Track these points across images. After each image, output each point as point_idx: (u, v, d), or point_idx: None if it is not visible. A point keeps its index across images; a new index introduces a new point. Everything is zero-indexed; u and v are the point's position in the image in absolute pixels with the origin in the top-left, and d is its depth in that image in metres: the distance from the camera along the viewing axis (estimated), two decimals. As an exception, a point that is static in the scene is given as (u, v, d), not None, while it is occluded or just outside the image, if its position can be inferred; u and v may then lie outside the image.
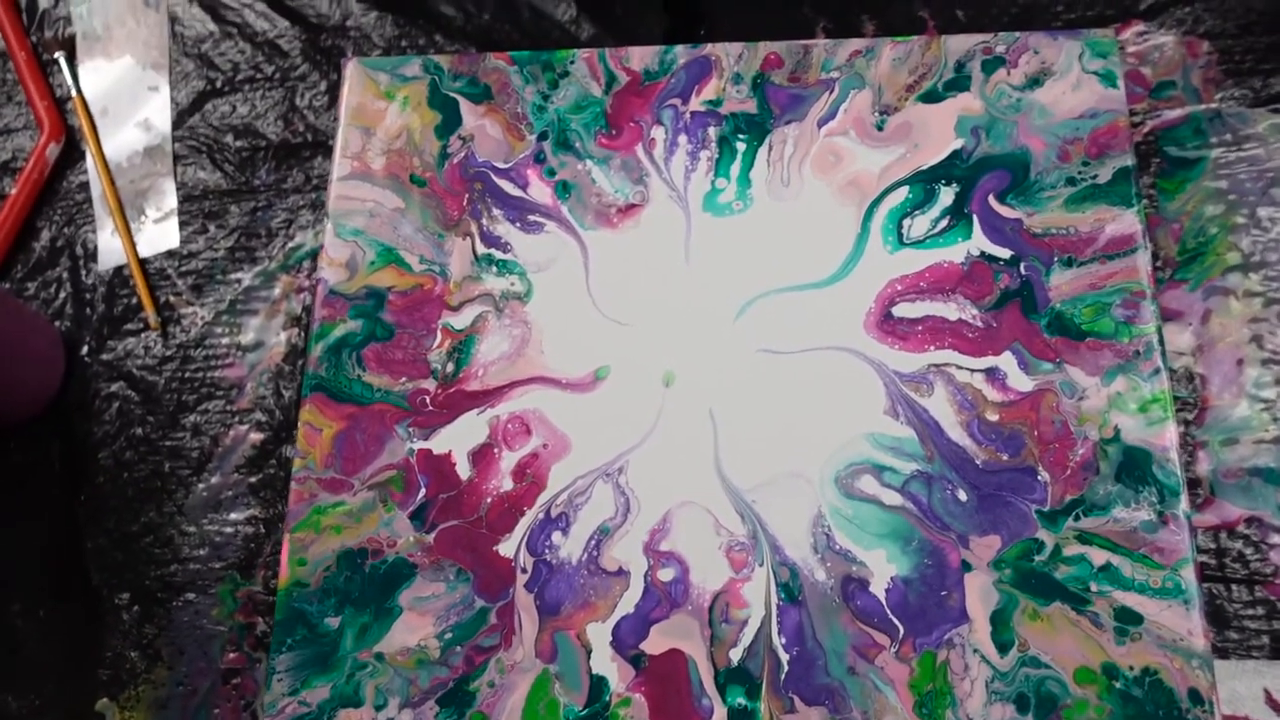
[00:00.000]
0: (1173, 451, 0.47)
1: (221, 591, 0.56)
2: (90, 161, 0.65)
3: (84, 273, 0.64)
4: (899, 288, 0.51)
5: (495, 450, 0.51)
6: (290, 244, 0.61)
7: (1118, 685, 0.45)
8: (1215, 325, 0.53)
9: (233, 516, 0.57)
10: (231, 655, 0.55)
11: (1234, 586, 0.50)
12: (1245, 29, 0.58)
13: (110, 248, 0.64)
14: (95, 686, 0.55)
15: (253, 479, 0.58)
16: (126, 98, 0.67)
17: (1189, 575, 0.46)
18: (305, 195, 0.62)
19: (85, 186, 0.66)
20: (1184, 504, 0.47)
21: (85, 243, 0.64)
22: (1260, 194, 0.55)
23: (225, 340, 0.60)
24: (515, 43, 0.63)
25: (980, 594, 0.46)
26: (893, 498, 0.48)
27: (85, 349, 0.62)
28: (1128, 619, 0.45)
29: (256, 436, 0.58)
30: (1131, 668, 0.45)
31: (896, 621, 0.46)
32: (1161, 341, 0.49)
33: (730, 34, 0.61)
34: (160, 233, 0.63)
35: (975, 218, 0.52)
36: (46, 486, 0.59)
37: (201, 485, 0.58)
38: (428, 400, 0.52)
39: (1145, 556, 0.46)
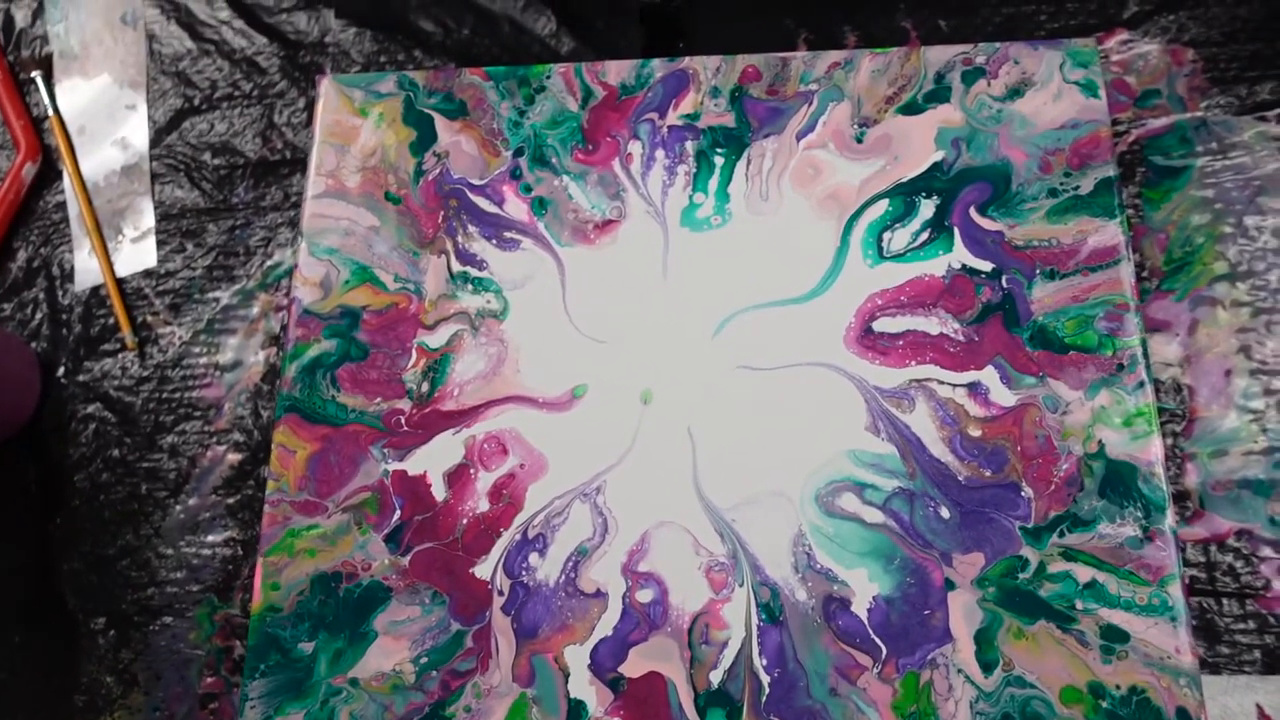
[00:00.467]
0: (1158, 465, 0.47)
1: (199, 615, 0.55)
2: (67, 181, 0.65)
3: (60, 293, 0.63)
4: (879, 302, 0.50)
5: (471, 471, 0.50)
6: (269, 262, 0.61)
7: (1104, 705, 0.44)
8: (1203, 336, 0.53)
9: (210, 539, 0.56)
10: (209, 679, 0.54)
11: (1224, 600, 0.49)
12: (1230, 37, 0.57)
13: (87, 268, 0.63)
14: (71, 713, 0.55)
15: (230, 500, 0.57)
16: (104, 116, 0.66)
17: (1176, 591, 0.45)
18: (284, 213, 0.62)
19: (62, 206, 0.65)
20: (1170, 519, 0.46)
21: (62, 263, 0.64)
22: (1247, 202, 0.54)
23: (203, 360, 0.60)
24: (495, 57, 0.63)
25: (964, 613, 0.46)
26: (874, 515, 0.47)
27: (61, 370, 0.61)
28: (1114, 637, 0.45)
29: (234, 457, 0.58)
30: (1118, 686, 0.44)
31: (879, 641, 0.46)
32: (1146, 354, 0.48)
33: (711, 47, 0.60)
34: (137, 252, 0.63)
35: (956, 230, 0.51)
36: (21, 510, 0.59)
37: (179, 507, 0.57)
38: (403, 421, 0.51)
39: (1131, 573, 0.45)
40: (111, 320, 0.61)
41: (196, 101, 0.65)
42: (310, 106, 0.63)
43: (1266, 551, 0.49)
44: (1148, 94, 0.57)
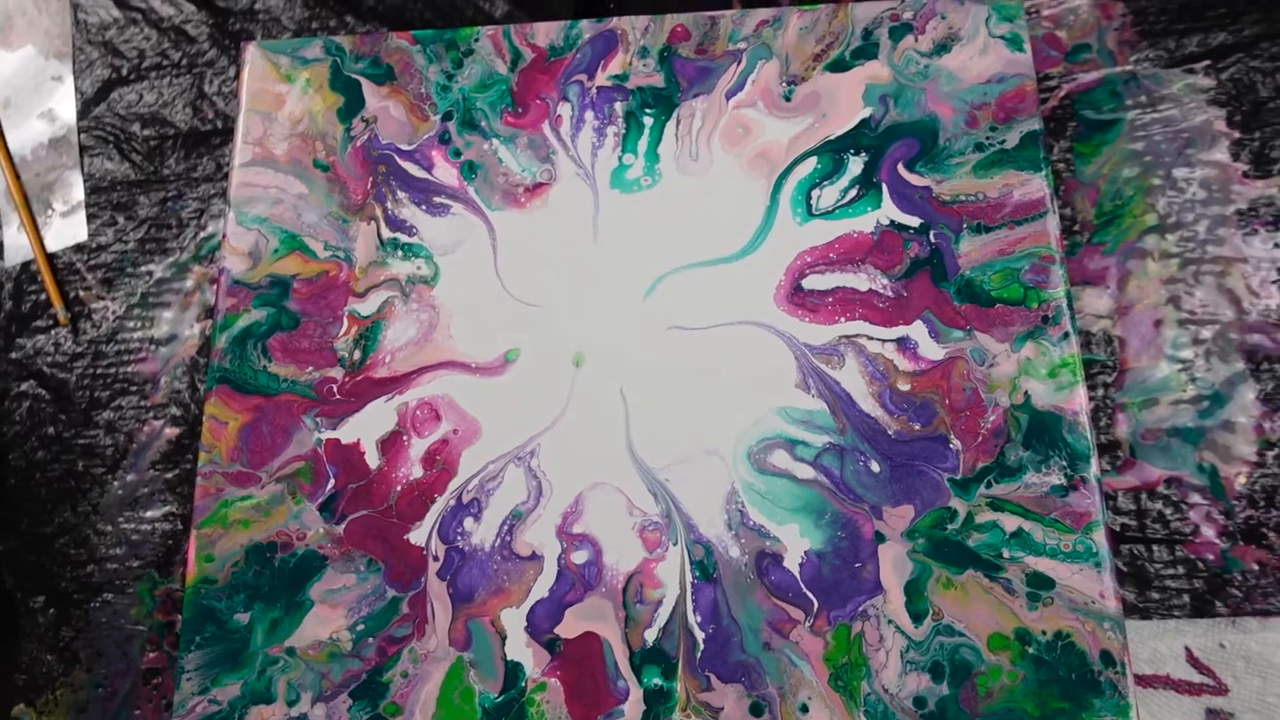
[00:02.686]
0: (1083, 415, 0.47)
1: (140, 590, 0.55)
2: (-7, 156, 0.64)
3: (-10, 270, 0.62)
4: (809, 259, 0.50)
5: (404, 438, 0.50)
6: (202, 234, 0.60)
7: (1030, 650, 0.44)
8: (1133, 288, 0.53)
9: (149, 514, 0.56)
10: (151, 655, 0.54)
11: (1154, 547, 0.50)
12: (1158, -11, 0.58)
13: (16, 244, 0.62)
14: (12, 692, 0.54)
15: (169, 475, 0.57)
16: (29, 88, 0.65)
17: (1100, 538, 0.45)
18: (216, 184, 0.61)
19: (-11, 181, 0.64)
20: (1095, 467, 0.46)
21: (-10, 239, 0.63)
22: (1175, 155, 0.55)
23: (138, 334, 0.59)
24: (428, 22, 0.62)
25: (894, 565, 0.46)
26: (805, 471, 0.48)
27: (-7, 348, 0.60)
28: (1040, 584, 0.45)
29: (172, 431, 0.57)
30: (1044, 632, 0.45)
31: (810, 595, 0.46)
32: (1070, 306, 0.49)
33: (642, 6, 0.60)
34: (68, 226, 0.62)
35: (884, 186, 0.51)
36: (-45, 490, 0.58)
37: (117, 483, 0.57)
38: (335, 389, 0.51)
39: (1057, 521, 0.46)
40: (43, 296, 0.61)
41: (124, 71, 0.64)
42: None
43: (1195, 498, 0.50)
44: (1078, 48, 0.57)
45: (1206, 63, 0.56)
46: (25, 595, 0.56)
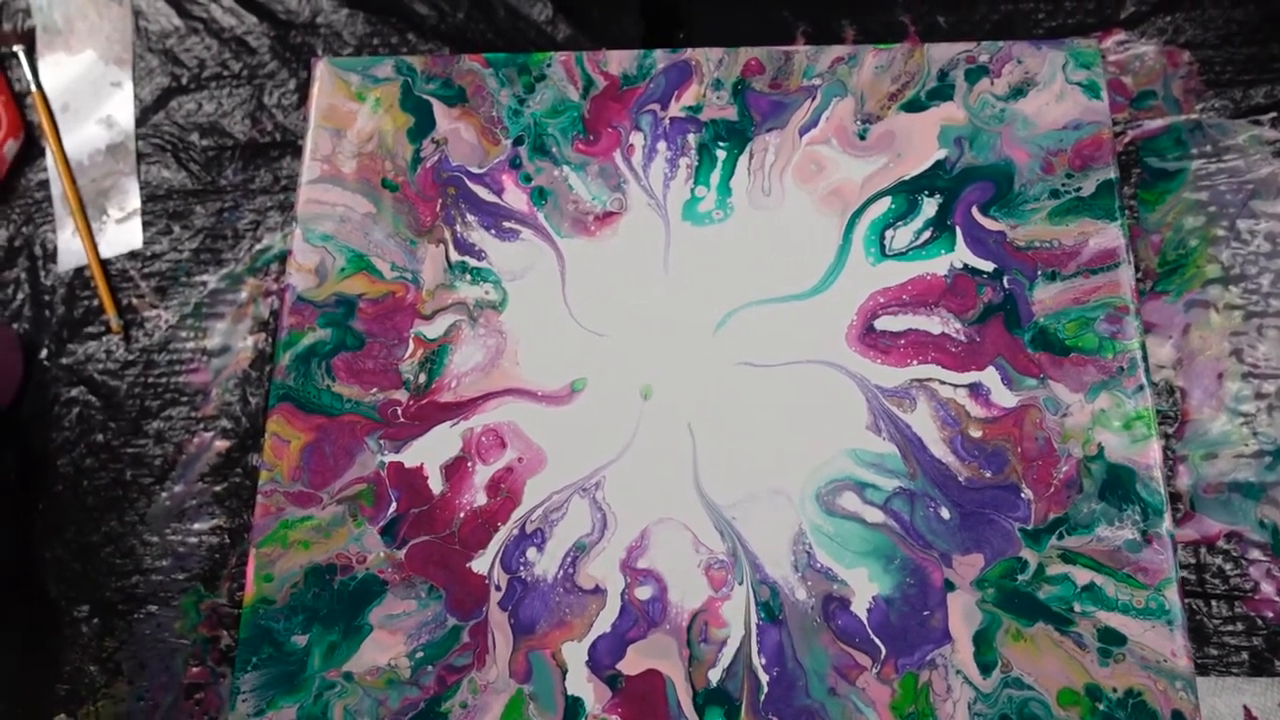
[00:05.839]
0: (1156, 469, 0.47)
1: (185, 603, 0.54)
2: (50, 159, 0.63)
3: (43, 274, 0.62)
4: (881, 300, 0.50)
5: (469, 464, 0.50)
6: (257, 246, 0.60)
7: (1101, 707, 0.44)
8: (1195, 338, 0.53)
9: (196, 526, 0.56)
10: (194, 669, 0.53)
11: (1214, 602, 0.50)
12: (1225, 39, 0.57)
13: (70, 248, 0.62)
14: (53, 702, 0.54)
15: (218, 488, 0.56)
16: (88, 93, 0.65)
17: (1173, 595, 0.45)
18: (273, 196, 0.61)
19: (45, 185, 0.64)
20: (1168, 523, 0.46)
21: (44, 243, 0.62)
22: (1240, 206, 0.55)
23: (190, 345, 0.59)
24: (490, 43, 0.62)
25: (963, 614, 0.46)
26: (875, 515, 0.47)
27: (44, 353, 0.60)
28: (1111, 640, 0.45)
29: (222, 444, 0.57)
30: (1115, 689, 0.44)
31: (878, 642, 0.46)
32: (1145, 357, 0.48)
33: (709, 37, 0.60)
34: (122, 233, 0.61)
35: (958, 230, 0.51)
36: (2, 495, 0.57)
37: (164, 494, 0.56)
38: (399, 412, 0.51)
39: (1129, 576, 0.45)
40: (96, 302, 0.60)
41: (184, 80, 0.64)
42: (301, 88, 0.62)
43: (1255, 554, 0.50)
44: (1144, 95, 0.57)
45: (1273, 114, 0.56)
46: (69, 604, 0.55)
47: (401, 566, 0.48)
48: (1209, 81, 0.57)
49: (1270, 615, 0.49)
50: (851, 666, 0.45)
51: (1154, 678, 0.44)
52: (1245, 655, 0.49)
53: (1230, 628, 0.49)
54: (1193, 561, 0.50)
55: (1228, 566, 0.50)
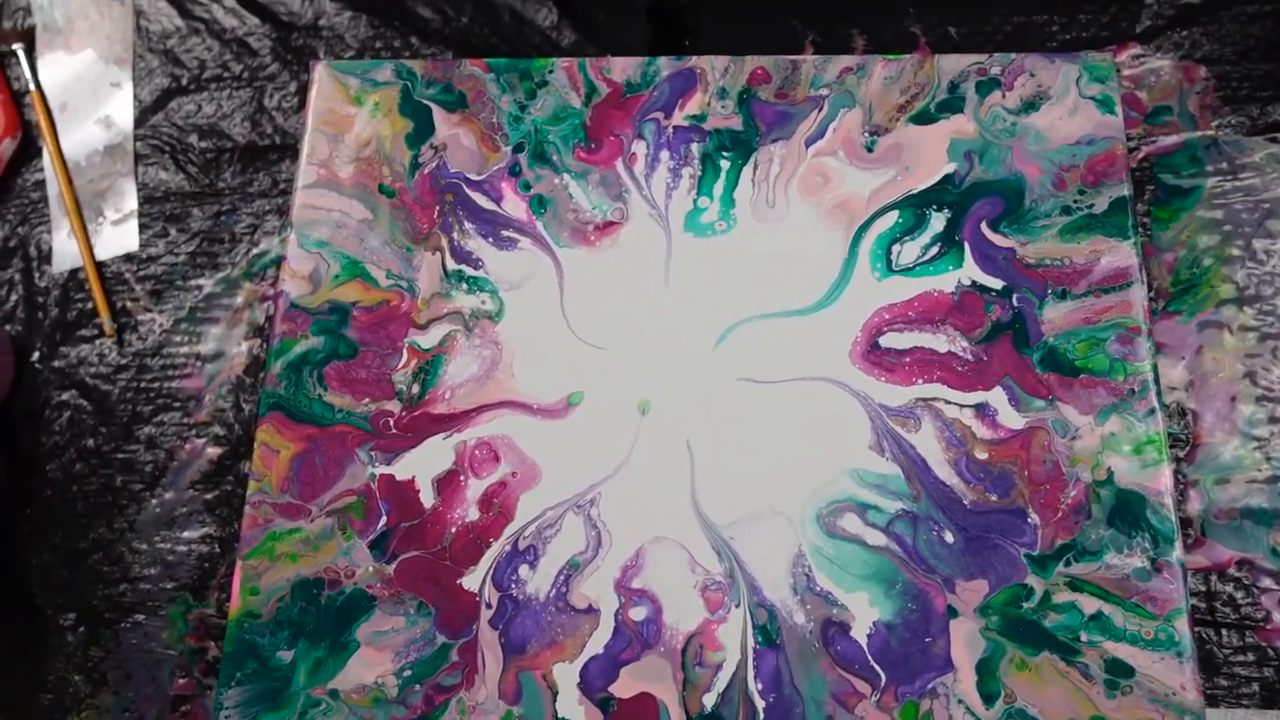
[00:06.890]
0: (1167, 496, 0.46)
1: (173, 613, 0.54)
2: (47, 159, 0.63)
3: (37, 275, 0.61)
4: (887, 317, 0.49)
5: (461, 477, 0.49)
6: (254, 250, 0.59)
7: (1106, 741, 0.43)
8: (1208, 360, 0.52)
9: (186, 535, 0.55)
10: (181, 681, 0.52)
11: (1224, 631, 0.48)
12: (1243, 55, 0.56)
13: (65, 250, 0.61)
14: (37, 711, 0.53)
15: (209, 496, 0.55)
16: (87, 93, 0.64)
17: (1183, 626, 0.44)
18: (272, 200, 0.60)
19: (41, 185, 0.63)
20: (1178, 551, 0.45)
21: (39, 244, 0.62)
22: (1256, 225, 0.54)
23: (184, 349, 0.58)
24: (494, 48, 0.61)
25: (966, 641, 0.45)
26: (876, 538, 0.46)
27: (36, 355, 0.59)
28: (1119, 671, 0.44)
29: (214, 451, 0.56)
30: (1121, 723, 0.43)
31: (878, 668, 0.45)
32: (1157, 380, 0.47)
33: (717, 45, 0.59)
34: (119, 235, 0.61)
35: (967, 245, 0.50)
36: (-10, 500, 0.57)
37: (154, 501, 0.56)
38: (391, 423, 0.50)
39: (1138, 605, 0.44)
40: (90, 305, 0.60)
41: (184, 81, 0.63)
42: (302, 91, 0.61)
43: (1267, 583, 0.49)
44: (1159, 110, 0.56)
45: (1291, 133, 0.55)
46: (55, 612, 0.54)
47: (390, 582, 0.47)
48: (1225, 98, 0.56)
49: (1282, 646, 0.48)
50: (850, 694, 0.44)
51: (1162, 711, 0.43)
52: (1256, 686, 0.48)
53: (1241, 658, 0.48)
54: (1203, 589, 0.49)
55: (1239, 595, 0.49)
